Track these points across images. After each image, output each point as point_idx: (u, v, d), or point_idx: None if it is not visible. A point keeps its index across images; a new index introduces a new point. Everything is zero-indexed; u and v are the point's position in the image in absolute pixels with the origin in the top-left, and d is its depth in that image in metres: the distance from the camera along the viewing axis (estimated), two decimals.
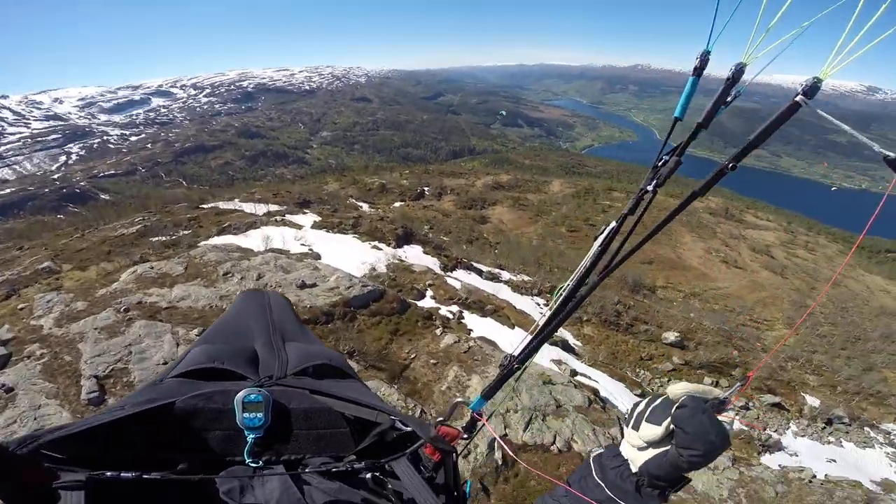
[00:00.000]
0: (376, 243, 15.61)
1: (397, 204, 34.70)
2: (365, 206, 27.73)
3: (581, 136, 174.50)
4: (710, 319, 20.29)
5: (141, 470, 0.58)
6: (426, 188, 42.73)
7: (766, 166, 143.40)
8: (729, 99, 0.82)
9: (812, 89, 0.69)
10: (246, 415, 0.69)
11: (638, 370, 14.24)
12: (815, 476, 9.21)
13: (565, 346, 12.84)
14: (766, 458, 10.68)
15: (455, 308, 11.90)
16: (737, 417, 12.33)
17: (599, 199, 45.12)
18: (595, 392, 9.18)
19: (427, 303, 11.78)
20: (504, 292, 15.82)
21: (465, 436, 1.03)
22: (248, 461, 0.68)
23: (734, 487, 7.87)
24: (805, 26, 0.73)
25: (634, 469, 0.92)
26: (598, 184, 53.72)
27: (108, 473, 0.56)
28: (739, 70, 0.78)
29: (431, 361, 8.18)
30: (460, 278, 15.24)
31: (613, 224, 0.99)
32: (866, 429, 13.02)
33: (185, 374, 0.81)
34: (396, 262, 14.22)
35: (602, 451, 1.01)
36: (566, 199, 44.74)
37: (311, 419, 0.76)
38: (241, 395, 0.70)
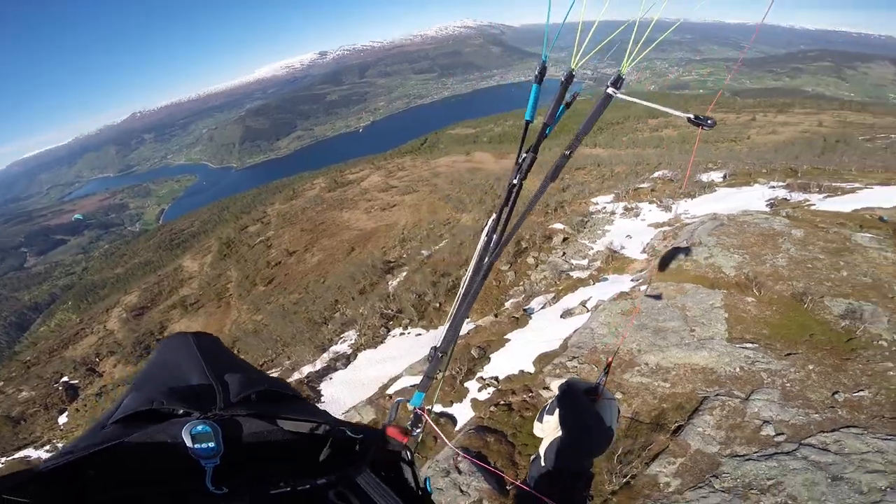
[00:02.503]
0: None
1: None
2: None
3: (143, 209, 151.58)
4: None
5: None
6: None
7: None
8: (568, 100, 0.99)
9: (617, 81, 0.92)
10: (197, 445, 0.66)
11: None
12: None
13: None
14: None
15: None
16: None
17: None
18: None
19: None
20: None
21: (414, 432, 1.09)
22: (211, 489, 0.66)
23: None
24: (605, 42, 0.98)
25: (542, 462, 1.03)
26: None
27: None
28: (570, 75, 0.94)
29: None
30: None
31: (494, 216, 1.10)
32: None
33: (124, 419, 0.75)
34: None
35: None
36: None
37: (263, 441, 0.75)
38: (187, 427, 0.67)
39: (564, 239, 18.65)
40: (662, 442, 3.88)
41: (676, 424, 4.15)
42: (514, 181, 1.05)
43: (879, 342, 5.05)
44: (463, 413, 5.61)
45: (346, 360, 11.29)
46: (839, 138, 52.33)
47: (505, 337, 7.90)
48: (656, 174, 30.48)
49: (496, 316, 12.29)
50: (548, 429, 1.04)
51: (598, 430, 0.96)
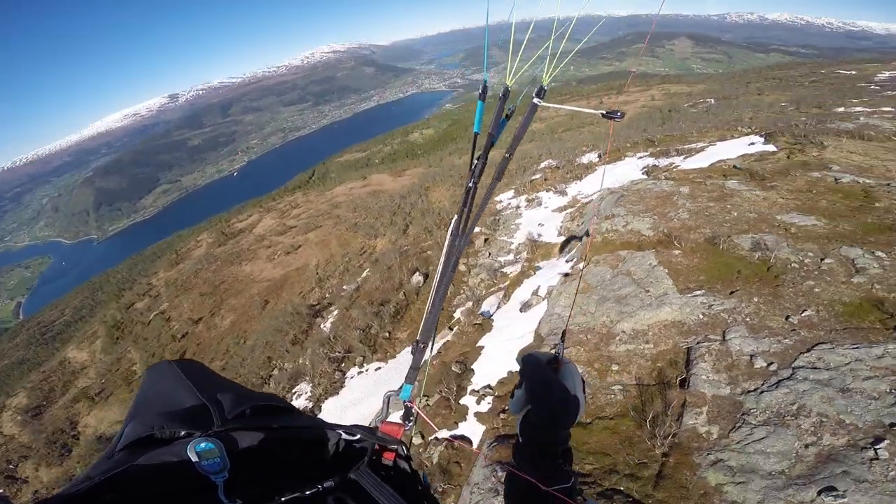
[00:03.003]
0: None
1: None
2: None
3: None
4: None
5: None
6: None
7: None
8: (506, 113, 1.15)
9: (540, 91, 1.10)
10: (204, 462, 0.69)
11: None
12: None
13: None
14: None
15: None
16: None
17: None
18: None
19: None
20: None
21: (407, 425, 1.13)
22: (225, 502, 0.68)
23: None
24: (532, 59, 1.14)
25: (520, 439, 1.07)
26: None
27: None
28: (506, 91, 1.11)
29: None
30: None
31: (456, 217, 1.26)
32: None
33: (129, 446, 0.77)
34: None
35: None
36: None
37: (266, 453, 0.77)
38: (191, 445, 0.69)
39: (486, 240, 19.39)
40: (678, 397, 4.18)
41: (679, 378, 4.51)
42: (470, 184, 1.21)
43: (791, 265, 6.06)
44: (473, 430, 5.44)
45: (312, 412, 10.30)
46: (671, 108, 62.43)
47: (478, 345, 7.89)
48: (543, 164, 33.29)
49: (451, 329, 12.25)
50: (518, 404, 1.04)
51: (564, 398, 0.97)
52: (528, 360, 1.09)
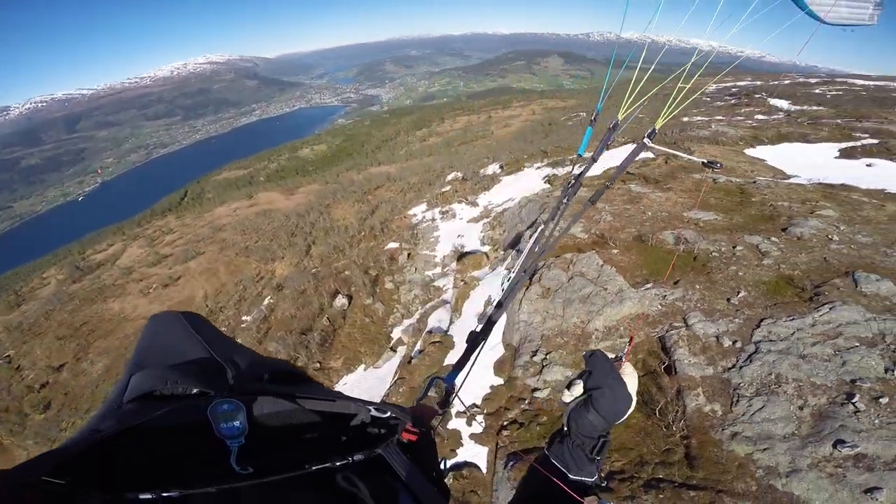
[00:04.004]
0: None
1: None
2: None
3: None
4: None
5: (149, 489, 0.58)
6: None
7: None
8: (609, 143, 1.37)
9: (652, 134, 1.27)
10: (223, 424, 0.66)
11: None
12: None
13: None
14: None
15: None
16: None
17: None
18: None
19: None
20: None
21: (441, 411, 1.15)
22: (237, 469, 0.66)
23: None
24: (643, 102, 1.36)
25: (564, 427, 1.12)
26: None
27: (129, 495, 0.56)
28: (615, 124, 1.37)
29: None
30: None
31: (542, 227, 1.46)
32: None
33: (138, 398, 0.73)
34: None
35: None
36: None
37: (287, 422, 0.74)
38: (213, 406, 0.67)
39: (408, 255, 19.14)
40: (671, 383, 4.53)
41: (663, 366, 4.89)
42: (565, 200, 1.45)
43: (712, 254, 7.05)
44: (476, 454, 5.16)
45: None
46: (550, 122, 69.42)
47: (446, 364, 7.66)
48: (450, 177, 34.28)
49: (394, 350, 11.74)
50: (577, 392, 1.10)
51: (626, 395, 1.06)
52: (599, 357, 1.12)
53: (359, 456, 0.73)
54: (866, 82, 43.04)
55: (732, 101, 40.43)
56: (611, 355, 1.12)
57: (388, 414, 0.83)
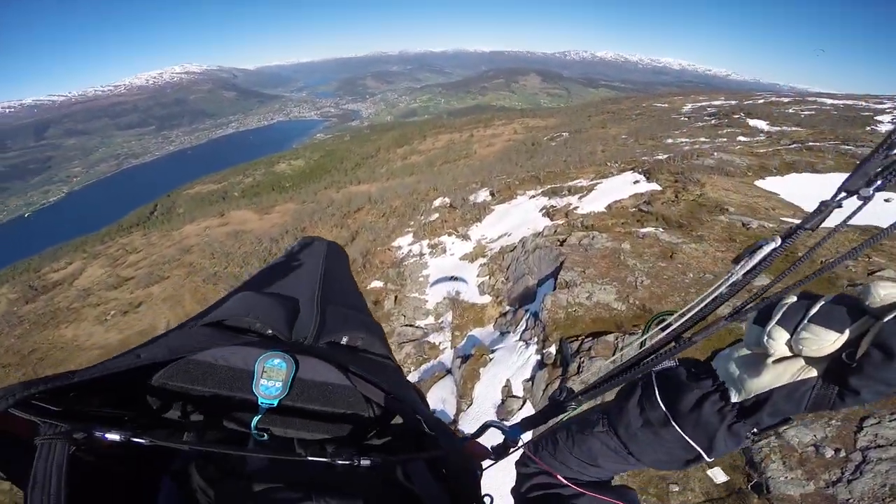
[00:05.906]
0: None
1: None
2: None
3: None
4: None
5: (132, 430, 0.55)
6: None
7: None
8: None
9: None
10: (264, 382, 0.65)
11: None
12: None
13: None
14: None
15: None
16: None
17: None
18: None
19: None
20: None
21: (493, 458, 1.01)
22: (254, 434, 0.65)
23: None
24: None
25: (738, 397, 0.67)
26: None
27: (97, 432, 0.53)
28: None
29: None
30: None
31: (775, 243, 0.70)
32: None
33: (215, 323, 0.75)
34: None
35: (672, 364, 0.77)
36: None
37: (331, 397, 0.70)
38: (263, 357, 0.65)
39: (395, 298, 17.24)
40: None
41: (750, 484, 4.23)
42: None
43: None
44: None
45: None
46: (533, 142, 69.25)
47: None
48: (437, 203, 32.67)
49: None
50: (816, 343, 0.58)
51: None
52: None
53: (365, 461, 0.65)
54: (835, 101, 44.06)
55: (713, 122, 40.40)
56: None
57: (434, 433, 0.73)
